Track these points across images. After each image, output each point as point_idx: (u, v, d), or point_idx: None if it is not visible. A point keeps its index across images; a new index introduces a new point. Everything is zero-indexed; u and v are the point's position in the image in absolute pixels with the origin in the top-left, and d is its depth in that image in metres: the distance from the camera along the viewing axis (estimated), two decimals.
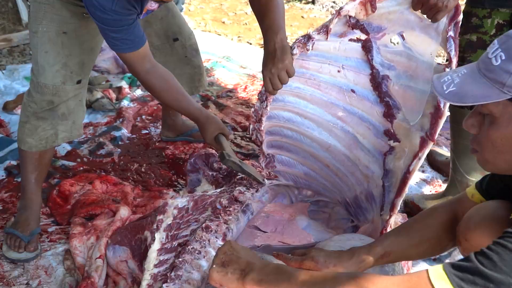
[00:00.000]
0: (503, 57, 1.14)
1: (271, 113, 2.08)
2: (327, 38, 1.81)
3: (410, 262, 1.98)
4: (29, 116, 2.10)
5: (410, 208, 2.35)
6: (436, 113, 1.79)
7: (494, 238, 1.16)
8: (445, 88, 1.21)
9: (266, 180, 2.15)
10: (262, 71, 1.89)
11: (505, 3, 1.92)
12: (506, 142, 1.17)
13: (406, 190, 1.88)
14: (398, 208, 1.89)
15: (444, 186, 2.52)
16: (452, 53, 1.75)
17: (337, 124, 2.08)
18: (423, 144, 1.83)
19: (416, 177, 2.62)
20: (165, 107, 2.83)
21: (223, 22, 4.88)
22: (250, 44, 4.39)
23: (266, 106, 1.97)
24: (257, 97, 2.01)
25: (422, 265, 2.06)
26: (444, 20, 1.77)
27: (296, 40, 1.86)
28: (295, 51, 1.83)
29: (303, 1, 5.39)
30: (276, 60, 1.83)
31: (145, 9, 1.97)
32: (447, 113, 1.79)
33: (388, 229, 1.90)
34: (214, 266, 1.38)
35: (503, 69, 1.13)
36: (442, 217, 1.52)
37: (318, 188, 2.20)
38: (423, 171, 2.66)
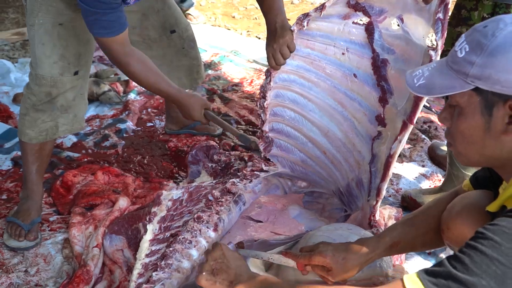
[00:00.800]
0: (467, 49, 1.16)
1: (278, 92, 2.13)
2: (321, 14, 1.89)
3: (403, 256, 1.98)
4: (28, 109, 2.13)
5: (407, 203, 2.35)
6: (418, 97, 1.79)
7: (474, 227, 1.17)
8: (415, 81, 1.24)
9: (257, 142, 2.22)
10: (266, 49, 2.00)
11: None
12: (474, 133, 1.18)
13: (390, 174, 1.88)
14: (384, 193, 1.89)
15: None
16: (439, 35, 1.74)
17: (337, 109, 2.12)
18: (403, 127, 1.83)
19: (415, 171, 2.61)
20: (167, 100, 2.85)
21: (233, 17, 4.89)
22: (259, 38, 4.39)
23: (270, 81, 2.07)
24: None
25: (416, 259, 2.06)
26: (435, 2, 1.77)
27: (297, 18, 1.97)
28: (294, 27, 1.95)
29: None
30: (277, 37, 1.96)
31: None
32: (427, 97, 1.78)
33: (377, 216, 1.91)
34: (204, 273, 1.41)
35: (466, 60, 1.15)
36: (444, 207, 1.52)
37: (313, 177, 2.22)
38: (423, 166, 2.65)
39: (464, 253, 1.08)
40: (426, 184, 2.53)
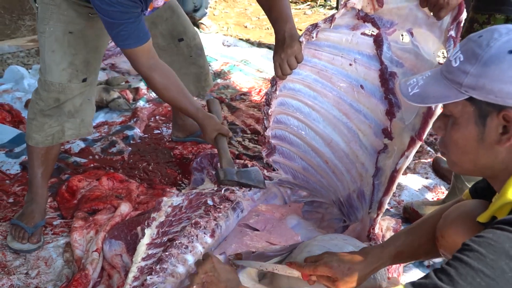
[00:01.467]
0: (461, 59, 1.16)
1: (282, 100, 2.14)
2: (330, 26, 1.87)
3: (401, 268, 1.97)
4: (36, 113, 2.18)
5: (409, 214, 2.34)
6: (428, 113, 1.79)
7: (467, 236, 1.17)
8: (409, 90, 1.24)
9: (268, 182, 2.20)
10: (273, 58, 1.99)
11: (500, 8, 1.91)
12: (467, 143, 1.18)
13: (394, 189, 1.89)
14: (386, 207, 1.89)
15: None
16: (450, 53, 1.73)
17: (341, 120, 2.12)
18: (411, 143, 1.83)
19: (419, 183, 2.60)
20: (174, 108, 2.88)
21: (246, 27, 4.93)
22: (270, 48, 4.42)
23: (275, 90, 2.06)
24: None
25: (414, 272, 2.05)
26: (448, 19, 1.76)
27: (305, 28, 1.95)
28: (302, 38, 1.92)
29: (326, 7, 5.40)
30: (285, 47, 1.94)
31: (150, 5, 2.02)
32: (438, 113, 1.78)
33: (376, 229, 1.90)
34: (194, 286, 1.42)
35: (460, 70, 1.15)
36: None
37: (314, 185, 2.22)
38: (426, 178, 2.64)
39: (450, 265, 1.09)
40: (429, 197, 2.52)
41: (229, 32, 4.79)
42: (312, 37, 1.91)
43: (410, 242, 1.52)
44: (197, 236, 1.80)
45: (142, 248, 1.78)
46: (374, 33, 1.93)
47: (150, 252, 1.77)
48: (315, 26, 1.91)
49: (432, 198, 2.52)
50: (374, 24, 1.91)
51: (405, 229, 1.60)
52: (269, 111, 2.12)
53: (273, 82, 2.07)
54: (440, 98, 1.18)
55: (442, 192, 2.55)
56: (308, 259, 1.53)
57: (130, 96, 3.43)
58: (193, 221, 1.85)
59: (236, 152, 2.84)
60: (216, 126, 2.15)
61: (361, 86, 2.03)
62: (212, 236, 1.83)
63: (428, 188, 2.58)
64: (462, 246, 1.11)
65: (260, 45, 4.50)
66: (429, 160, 2.77)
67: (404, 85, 1.26)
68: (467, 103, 1.16)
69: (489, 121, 1.14)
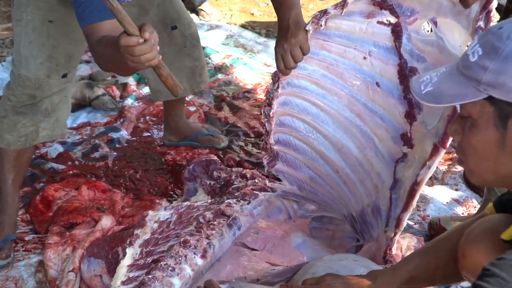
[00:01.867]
0: (480, 53, 1.16)
1: (285, 99, 2.13)
2: (342, 12, 1.85)
3: None
4: (8, 111, 2.20)
5: (435, 231, 2.33)
6: (453, 116, 1.78)
7: (492, 255, 1.17)
8: (422, 88, 1.24)
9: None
10: (275, 49, 1.94)
11: None
12: (487, 147, 1.18)
13: (414, 204, 1.88)
14: (404, 225, 1.89)
15: None
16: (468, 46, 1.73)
17: (354, 122, 2.11)
18: (434, 151, 1.83)
19: (447, 196, 2.59)
20: (167, 107, 2.89)
21: (252, 14, 4.93)
22: None
23: (278, 87, 2.03)
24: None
25: None
26: (476, 8, 1.75)
27: (312, 16, 1.92)
28: (309, 26, 1.88)
29: None
30: (289, 35, 1.89)
31: None
32: None
33: (394, 250, 1.90)
34: None
35: (479, 65, 1.15)
36: None
37: (323, 198, 2.22)
38: (456, 190, 2.63)
39: None
40: (459, 211, 2.52)
41: (233, 20, 4.79)
42: (321, 26, 1.88)
43: (426, 265, 1.51)
44: (185, 256, 1.80)
45: (122, 270, 1.79)
46: (393, 22, 1.92)
47: (131, 275, 1.78)
48: (324, 12, 1.88)
49: (463, 213, 2.51)
50: (393, 12, 1.90)
51: (420, 249, 1.60)
52: (271, 112, 2.10)
53: (275, 78, 2.03)
54: (456, 97, 1.18)
55: (474, 206, 2.54)
56: (307, 281, 1.53)
57: (116, 93, 3.44)
58: (182, 239, 1.86)
59: (237, 159, 2.84)
60: None
61: (377, 83, 2.02)
62: (203, 256, 1.84)
63: (458, 201, 2.57)
64: (481, 271, 1.10)
65: (268, 35, 4.50)
66: (460, 169, 2.75)
67: (416, 82, 1.26)
68: (486, 103, 1.15)
69: (510, 123, 1.14)
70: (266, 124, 2.15)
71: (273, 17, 4.85)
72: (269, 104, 2.09)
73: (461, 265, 1.43)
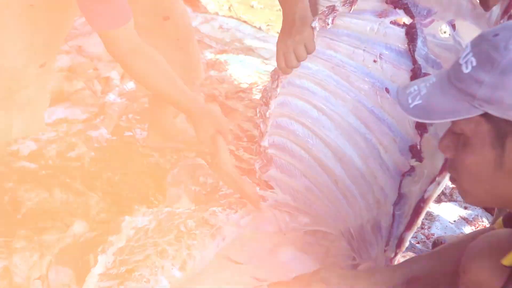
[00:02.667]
0: (474, 63, 1.15)
1: (285, 99, 2.15)
2: (350, 9, 1.87)
3: None
4: None
5: None
6: None
7: (494, 276, 1.18)
8: (410, 101, 1.23)
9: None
10: (277, 45, 1.95)
11: None
12: (483, 168, 1.18)
13: (419, 223, 1.88)
14: (406, 245, 1.90)
15: None
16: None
17: (359, 130, 2.12)
18: (445, 167, 1.82)
19: (455, 213, 2.61)
20: (152, 105, 2.91)
21: (252, 6, 4.98)
22: None
23: (277, 86, 2.06)
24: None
25: None
26: (497, 11, 1.77)
27: (320, 12, 1.93)
28: (315, 23, 1.89)
29: None
30: (294, 31, 1.89)
31: None
32: None
33: None
34: None
35: (473, 78, 1.14)
36: None
37: (318, 211, 2.23)
38: (465, 207, 2.65)
39: None
40: (466, 231, 2.54)
41: (230, 12, 4.83)
42: (328, 24, 1.89)
43: (431, 269, 1.53)
44: (162, 267, 1.83)
45: (92, 280, 1.81)
46: (407, 23, 1.93)
47: (102, 284, 1.80)
48: (331, 9, 1.89)
49: None
50: (408, 12, 1.90)
51: (429, 252, 1.60)
52: (267, 113, 2.13)
53: (275, 76, 2.05)
54: (448, 113, 1.18)
55: (483, 225, 2.56)
56: (298, 277, 1.55)
57: (98, 87, 3.47)
58: (159, 248, 1.88)
59: None
60: (216, 120, 2.11)
61: (387, 89, 2.03)
62: (182, 268, 1.86)
63: (466, 220, 2.60)
64: None
65: (268, 29, 4.54)
66: None
67: (403, 93, 1.26)
68: (481, 120, 1.15)
69: (508, 143, 1.14)
70: (261, 125, 2.17)
71: (275, 10, 4.90)
72: (266, 104, 2.10)
73: (462, 281, 1.45)
